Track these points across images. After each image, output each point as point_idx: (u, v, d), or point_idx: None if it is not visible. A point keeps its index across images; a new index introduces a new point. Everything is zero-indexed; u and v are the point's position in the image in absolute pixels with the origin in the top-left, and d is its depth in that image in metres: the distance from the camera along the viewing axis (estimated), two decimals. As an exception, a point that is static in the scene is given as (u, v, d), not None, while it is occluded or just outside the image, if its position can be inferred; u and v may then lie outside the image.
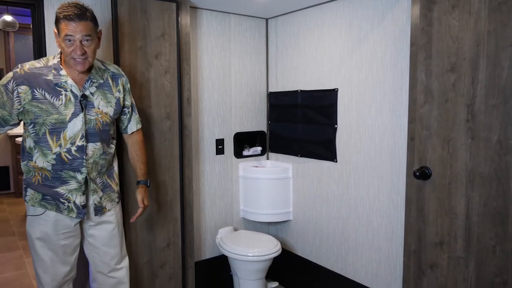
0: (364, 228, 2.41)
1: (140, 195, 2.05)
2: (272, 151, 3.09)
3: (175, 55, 2.38)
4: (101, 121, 1.85)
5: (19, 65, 1.75)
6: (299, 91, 2.78)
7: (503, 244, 1.62)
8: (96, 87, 1.84)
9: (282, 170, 2.91)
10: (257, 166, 2.99)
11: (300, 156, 2.82)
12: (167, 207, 2.43)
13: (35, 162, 1.79)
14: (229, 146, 2.91)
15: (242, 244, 2.60)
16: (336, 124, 2.52)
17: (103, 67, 1.90)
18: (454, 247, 1.77)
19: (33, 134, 1.76)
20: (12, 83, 1.70)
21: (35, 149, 1.78)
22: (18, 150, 5.43)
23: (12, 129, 1.79)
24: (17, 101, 1.71)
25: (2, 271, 3.33)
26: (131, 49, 2.23)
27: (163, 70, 2.35)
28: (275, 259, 2.62)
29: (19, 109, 1.72)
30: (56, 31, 1.72)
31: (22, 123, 1.81)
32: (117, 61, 2.18)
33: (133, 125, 2.05)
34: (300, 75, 2.78)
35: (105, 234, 1.96)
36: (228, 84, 2.87)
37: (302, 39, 2.75)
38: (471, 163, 1.69)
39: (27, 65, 1.75)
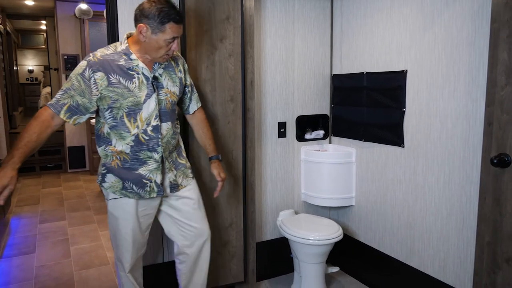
0: (433, 216, 2.31)
1: (215, 169, 2.11)
2: (335, 135, 3.03)
3: (239, 38, 2.39)
4: (170, 100, 1.93)
5: (91, 54, 1.80)
6: (364, 73, 2.68)
7: None
8: (163, 68, 1.92)
9: (345, 155, 2.85)
10: (319, 150, 2.95)
11: (364, 141, 2.74)
12: (230, 188, 2.48)
13: (114, 146, 1.86)
14: (291, 129, 2.90)
15: (303, 228, 2.60)
16: (404, 108, 2.41)
17: None
18: (535, 241, 1.64)
19: (110, 119, 1.83)
20: (88, 71, 1.75)
21: (112, 133, 1.85)
22: (92, 131, 5.81)
23: (90, 116, 1.83)
24: (95, 87, 1.76)
25: (79, 242, 3.63)
26: (197, 32, 2.27)
27: (227, 53, 2.37)
28: (337, 244, 2.59)
29: (97, 95, 1.77)
30: (147, 27, 1.74)
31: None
32: (183, 45, 2.23)
33: (194, 104, 2.12)
34: (366, 57, 2.68)
35: (187, 209, 2.04)
36: (291, 67, 2.84)
37: (369, 19, 2.64)
38: (559, 150, 1.54)
39: (99, 53, 1.80)
